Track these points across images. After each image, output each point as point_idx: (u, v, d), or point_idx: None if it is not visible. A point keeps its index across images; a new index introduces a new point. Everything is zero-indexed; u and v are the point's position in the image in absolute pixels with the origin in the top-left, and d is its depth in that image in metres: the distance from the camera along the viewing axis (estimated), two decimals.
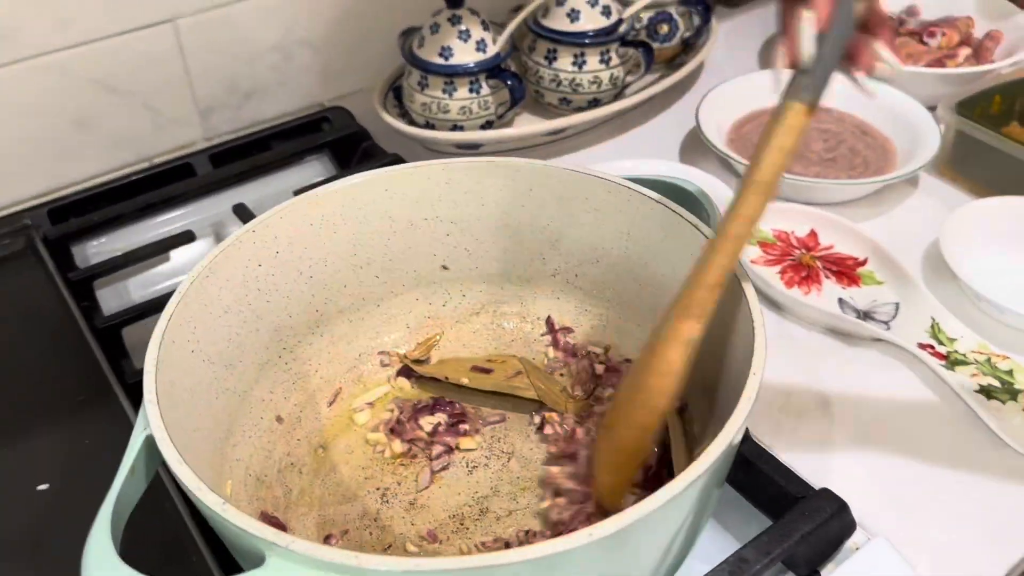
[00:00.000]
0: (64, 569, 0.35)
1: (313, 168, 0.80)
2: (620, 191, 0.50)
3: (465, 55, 0.77)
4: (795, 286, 0.65)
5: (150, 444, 0.37)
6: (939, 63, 0.82)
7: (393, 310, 0.55)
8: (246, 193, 0.76)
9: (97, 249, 0.73)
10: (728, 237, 0.40)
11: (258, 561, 0.32)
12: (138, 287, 0.71)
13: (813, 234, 0.70)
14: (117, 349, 0.60)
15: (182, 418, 0.40)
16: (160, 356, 0.40)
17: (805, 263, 0.67)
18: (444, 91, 0.77)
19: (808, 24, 0.37)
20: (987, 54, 0.86)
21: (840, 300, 0.64)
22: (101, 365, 0.58)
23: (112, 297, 0.69)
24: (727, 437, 0.34)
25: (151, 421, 0.37)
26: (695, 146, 0.81)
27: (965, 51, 0.84)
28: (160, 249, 0.68)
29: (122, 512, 0.35)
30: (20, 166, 0.75)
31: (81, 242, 0.72)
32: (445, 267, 0.55)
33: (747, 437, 0.51)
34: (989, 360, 0.58)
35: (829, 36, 0.37)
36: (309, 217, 0.50)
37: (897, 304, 0.63)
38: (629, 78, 0.83)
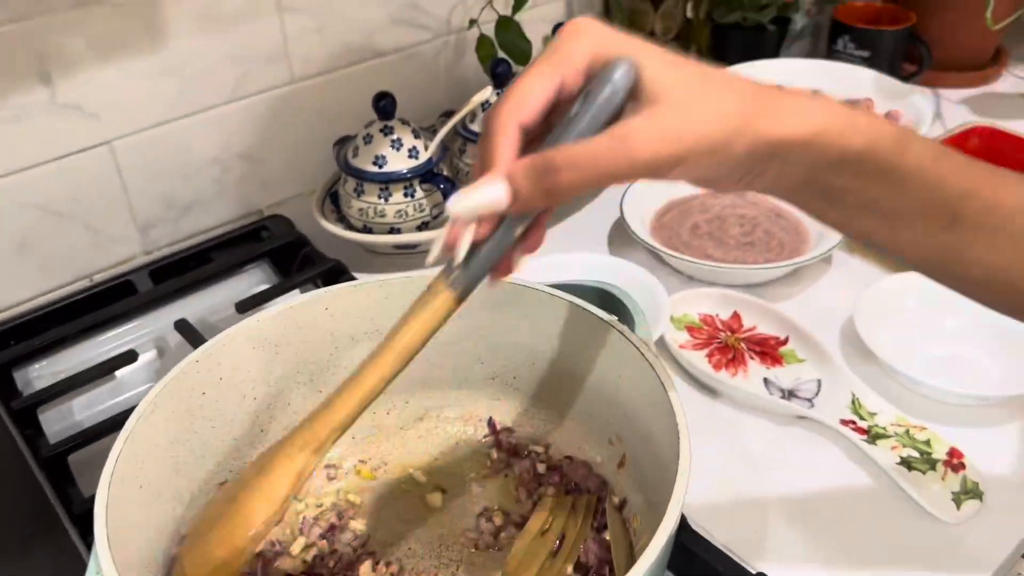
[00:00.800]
0: None
1: (254, 277, 0.82)
2: (550, 300, 0.53)
3: (398, 162, 0.80)
4: (723, 368, 0.68)
5: None
6: None
7: None
8: (188, 306, 0.77)
9: (39, 372, 0.73)
10: (359, 386, 0.42)
11: None
12: (82, 408, 0.71)
13: (736, 316, 0.73)
14: (64, 477, 0.60)
15: (133, 555, 0.41)
16: (109, 497, 0.41)
17: (731, 345, 0.71)
18: (380, 196, 0.80)
19: (468, 234, 0.39)
20: None
21: (765, 380, 0.67)
22: (48, 496, 0.58)
23: (56, 419, 0.69)
24: (660, 541, 0.37)
25: (103, 566, 0.38)
26: (623, 235, 0.85)
27: None
28: (103, 372, 0.68)
29: None
30: None
31: (23, 367, 0.72)
32: None
33: (685, 525, 0.54)
34: (908, 432, 0.62)
35: (482, 249, 0.40)
36: (251, 341, 0.52)
37: (819, 381, 0.67)
38: None
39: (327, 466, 0.56)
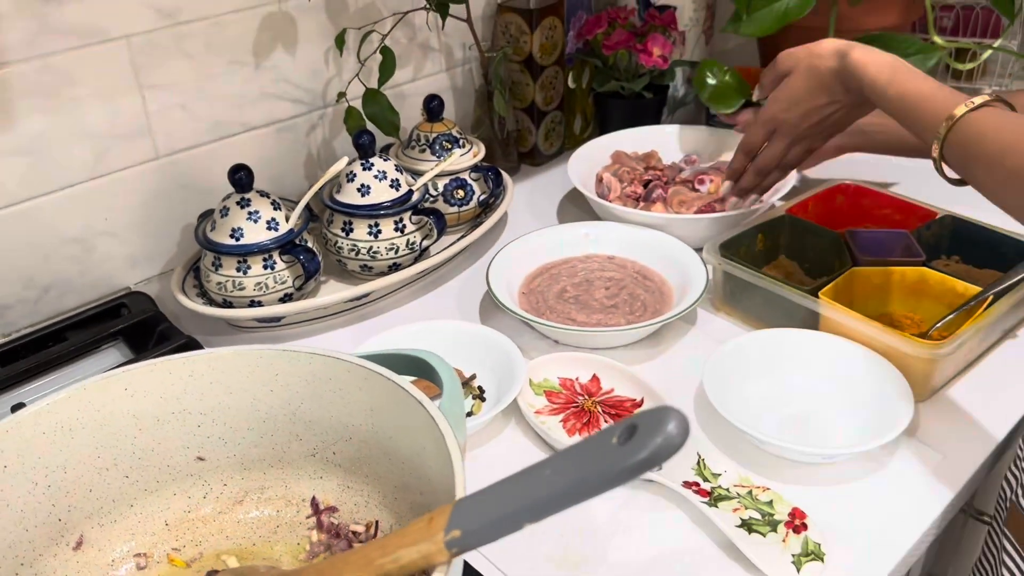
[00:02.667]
0: None
1: (110, 356, 0.79)
2: (357, 370, 0.51)
3: (257, 234, 0.79)
4: (576, 433, 0.67)
5: None
6: (709, 208, 0.89)
7: (149, 508, 0.54)
8: (38, 390, 0.75)
9: None
10: None
11: None
12: None
13: (595, 379, 0.72)
14: None
15: None
16: None
17: (587, 409, 0.69)
18: (238, 269, 0.79)
19: None
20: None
21: None
22: None
23: None
24: None
25: None
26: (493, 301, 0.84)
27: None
28: None
29: None
30: None
31: None
32: (201, 458, 0.55)
33: None
34: (751, 493, 0.61)
35: (488, 520, 0.38)
36: (40, 427, 0.49)
37: None
38: (427, 242, 0.87)
39: (136, 555, 0.53)
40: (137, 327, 0.80)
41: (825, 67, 0.75)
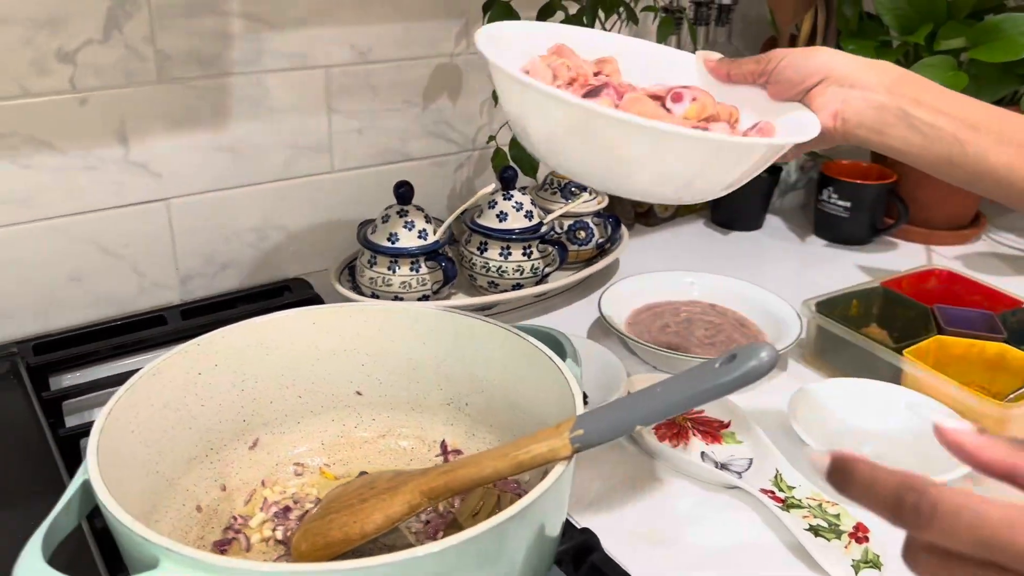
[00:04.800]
0: None
1: None
2: (498, 332, 0.62)
3: (409, 241, 0.92)
4: (665, 440, 0.76)
5: (86, 487, 0.46)
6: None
7: (311, 427, 0.65)
8: None
9: (72, 381, 0.83)
10: (479, 470, 0.50)
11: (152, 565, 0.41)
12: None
13: None
14: (75, 457, 0.69)
15: (112, 480, 0.49)
16: (105, 426, 0.50)
17: (678, 422, 0.78)
18: (389, 268, 0.92)
19: None
20: None
21: (702, 453, 0.74)
22: (59, 467, 0.67)
23: (78, 422, 0.78)
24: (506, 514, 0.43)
25: (89, 469, 0.47)
26: (601, 328, 0.94)
27: None
28: (120, 381, 0.78)
29: (54, 536, 0.44)
30: (17, 309, 0.88)
31: (59, 374, 0.83)
32: (359, 393, 0.66)
33: (598, 548, 0.60)
34: (820, 505, 0.68)
35: (606, 423, 0.47)
36: (246, 340, 0.61)
37: (751, 459, 0.74)
38: (548, 269, 0.98)
39: (296, 464, 0.64)
40: (296, 304, 0.92)
41: None
